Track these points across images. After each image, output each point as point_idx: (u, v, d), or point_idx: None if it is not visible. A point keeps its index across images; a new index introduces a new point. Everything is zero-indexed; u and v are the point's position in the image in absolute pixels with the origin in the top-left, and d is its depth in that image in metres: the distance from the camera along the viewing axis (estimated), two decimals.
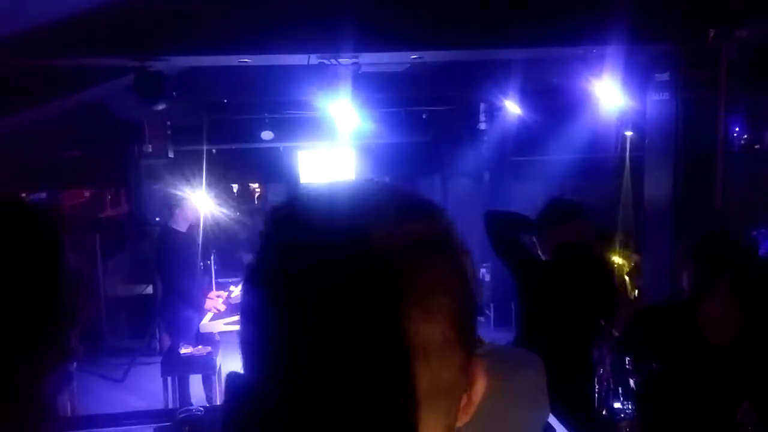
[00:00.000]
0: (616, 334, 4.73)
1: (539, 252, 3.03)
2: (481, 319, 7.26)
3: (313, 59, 3.87)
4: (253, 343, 0.50)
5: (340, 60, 3.94)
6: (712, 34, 3.80)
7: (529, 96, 6.05)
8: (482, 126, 6.76)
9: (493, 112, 6.65)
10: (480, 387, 0.58)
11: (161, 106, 3.99)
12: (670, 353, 2.82)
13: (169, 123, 6.42)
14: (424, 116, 6.96)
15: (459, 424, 0.57)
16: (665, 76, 4.03)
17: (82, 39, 3.54)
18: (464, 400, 0.56)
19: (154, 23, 3.56)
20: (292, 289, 0.47)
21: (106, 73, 4.28)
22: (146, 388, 5.88)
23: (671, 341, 2.74)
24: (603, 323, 3.18)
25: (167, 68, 4.01)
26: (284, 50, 3.67)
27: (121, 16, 3.53)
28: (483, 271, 7.03)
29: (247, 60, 3.90)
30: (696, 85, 3.87)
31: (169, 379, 4.98)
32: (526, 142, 6.63)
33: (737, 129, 6.42)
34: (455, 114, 7.04)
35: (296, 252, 0.49)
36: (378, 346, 0.46)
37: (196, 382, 5.14)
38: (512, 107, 6.22)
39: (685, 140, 3.90)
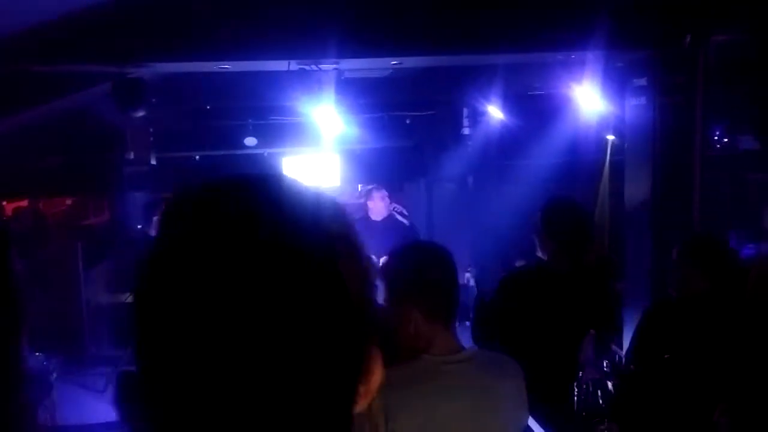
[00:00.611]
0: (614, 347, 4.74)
1: (538, 252, 3.01)
2: (467, 323, 7.26)
3: (294, 65, 3.88)
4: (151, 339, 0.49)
5: (320, 66, 3.95)
6: (688, 39, 3.84)
7: (511, 101, 6.09)
8: (466, 131, 6.80)
9: (477, 116, 6.68)
10: (377, 377, 0.59)
11: (141, 113, 3.97)
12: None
13: (151, 130, 6.39)
14: (408, 121, 6.98)
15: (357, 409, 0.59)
16: (643, 81, 4.07)
17: (60, 45, 3.52)
18: (362, 388, 0.56)
19: (132, 29, 3.55)
20: (199, 284, 0.47)
21: (84, 79, 4.25)
22: None
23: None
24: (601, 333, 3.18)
25: (147, 75, 3.99)
26: (264, 56, 3.67)
27: (99, 22, 3.51)
28: (467, 275, 7.05)
29: (227, 66, 3.89)
30: (673, 90, 3.91)
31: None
32: (509, 146, 6.66)
33: (717, 133, 6.49)
34: (439, 119, 7.07)
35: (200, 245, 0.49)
36: (282, 331, 0.47)
37: None
38: (495, 112, 6.26)
39: (662, 144, 3.94)
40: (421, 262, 1.88)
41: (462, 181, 7.39)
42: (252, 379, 0.46)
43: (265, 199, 0.53)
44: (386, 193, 6.02)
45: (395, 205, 6.12)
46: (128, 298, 0.51)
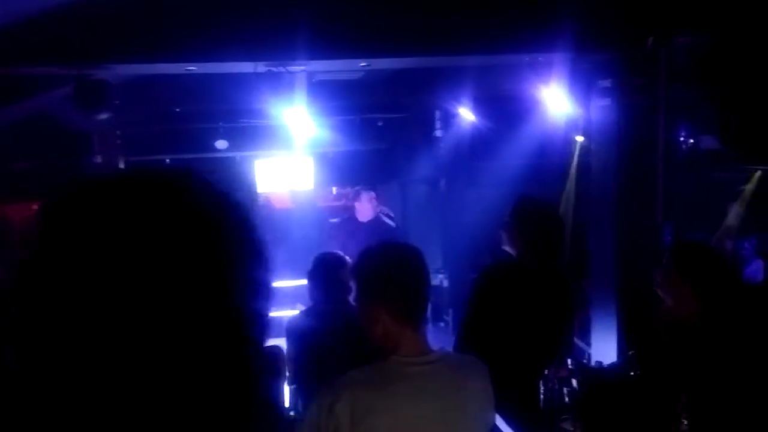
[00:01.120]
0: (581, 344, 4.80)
1: (505, 246, 3.04)
2: (441, 324, 7.28)
3: (261, 67, 3.85)
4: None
5: (288, 68, 3.93)
6: (650, 42, 3.90)
7: (482, 103, 6.13)
8: (438, 133, 6.83)
9: (448, 119, 6.72)
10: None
11: (104, 116, 3.91)
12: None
13: (119, 133, 6.29)
14: (380, 124, 6.99)
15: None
16: (608, 83, 4.13)
17: (20, 47, 3.45)
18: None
19: (94, 31, 3.49)
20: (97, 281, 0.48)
21: (47, 82, 4.18)
22: None
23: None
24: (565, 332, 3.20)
25: (111, 77, 3.94)
26: (230, 58, 3.65)
27: (60, 23, 3.45)
28: (441, 277, 7.07)
29: (193, 68, 3.85)
30: (636, 91, 3.97)
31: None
32: (480, 148, 6.71)
33: (683, 134, 6.61)
34: (411, 121, 7.09)
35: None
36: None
37: None
38: (466, 114, 6.30)
39: (627, 144, 4.00)
40: (391, 262, 1.88)
41: (434, 182, 7.42)
42: (121, 370, 0.47)
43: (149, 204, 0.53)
44: (374, 195, 6.06)
45: (382, 207, 6.14)
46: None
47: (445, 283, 7.06)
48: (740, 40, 3.58)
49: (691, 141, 6.00)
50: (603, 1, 3.98)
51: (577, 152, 5.90)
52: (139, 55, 3.57)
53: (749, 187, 6.44)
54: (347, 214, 6.19)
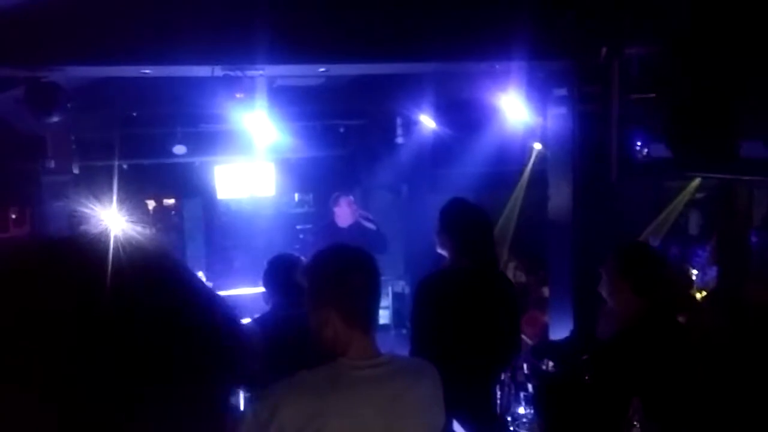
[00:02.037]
0: (529, 341, 4.86)
1: (438, 249, 3.07)
2: (403, 330, 7.29)
3: (218, 71, 3.81)
4: None
5: (246, 72, 3.90)
6: (604, 51, 4.00)
7: (442, 110, 6.19)
8: (399, 140, 6.85)
9: (410, 126, 6.75)
10: None
11: (56, 119, 3.81)
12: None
13: (73, 137, 6.14)
14: (341, 130, 6.99)
15: None
16: (563, 91, 4.21)
17: None
18: None
19: (45, 32, 3.41)
20: None
21: None
22: None
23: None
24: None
25: (64, 79, 3.84)
26: (186, 61, 3.60)
27: (11, 24, 3.36)
28: (403, 283, 7.10)
29: (148, 71, 3.79)
30: (590, 100, 4.06)
31: None
32: (442, 155, 6.76)
33: (639, 142, 6.78)
34: (372, 128, 7.11)
35: None
36: None
37: None
38: (427, 121, 6.34)
39: (582, 152, 4.08)
40: (342, 265, 1.87)
41: (396, 189, 7.44)
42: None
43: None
44: (352, 199, 6.03)
45: (361, 211, 6.11)
46: None
47: (407, 290, 7.08)
48: (688, 52, 3.69)
49: (645, 149, 6.15)
50: (558, 11, 4.06)
51: (532, 160, 6.01)
52: (91, 58, 3.49)
53: (686, 195, 6.68)
54: (328, 220, 6.11)
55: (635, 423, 2.57)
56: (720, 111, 3.47)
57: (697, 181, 6.43)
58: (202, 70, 3.86)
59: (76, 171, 6.29)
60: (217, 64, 3.69)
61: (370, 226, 5.98)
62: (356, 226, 5.88)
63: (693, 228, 7.29)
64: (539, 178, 5.57)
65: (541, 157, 5.69)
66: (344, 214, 5.89)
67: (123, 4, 3.40)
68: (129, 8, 3.38)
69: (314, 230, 6.37)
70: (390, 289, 6.96)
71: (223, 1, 3.53)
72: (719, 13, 3.61)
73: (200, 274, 5.89)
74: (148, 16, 3.40)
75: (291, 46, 3.71)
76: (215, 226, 8.08)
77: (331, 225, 5.94)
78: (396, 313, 6.96)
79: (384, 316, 7.16)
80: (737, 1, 3.63)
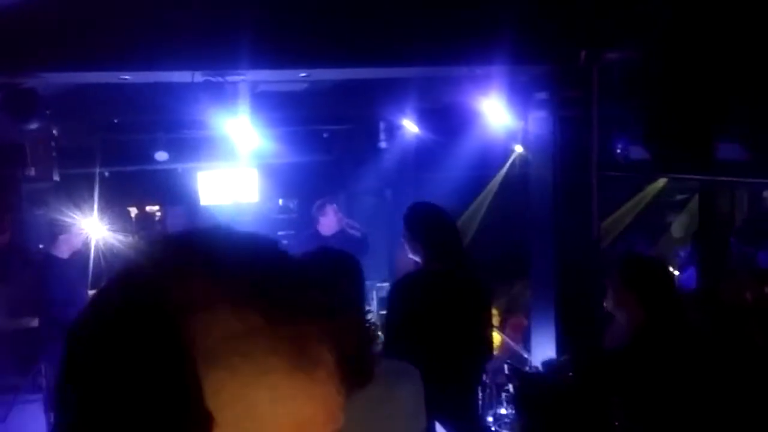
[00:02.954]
0: (512, 343, 4.88)
1: (410, 254, 3.09)
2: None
3: (198, 77, 3.80)
4: None
5: (227, 77, 3.89)
6: (583, 56, 4.04)
7: (426, 115, 6.20)
8: (383, 144, 6.86)
9: (393, 130, 6.77)
10: None
11: (34, 125, 3.78)
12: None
13: (54, 144, 6.08)
14: (325, 135, 6.99)
15: None
16: (544, 95, 4.24)
17: None
18: None
19: (23, 38, 3.38)
20: None
21: None
22: (31, 428, 5.48)
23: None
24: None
25: (42, 86, 3.81)
26: (165, 67, 3.58)
27: None
28: (387, 287, 7.08)
29: (127, 77, 3.77)
30: (571, 104, 4.09)
31: (54, 416, 4.67)
32: (425, 159, 6.78)
33: (620, 146, 6.85)
34: (356, 133, 7.11)
35: None
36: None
37: None
38: (410, 126, 6.36)
39: (562, 156, 4.11)
40: (323, 269, 1.87)
41: (380, 194, 7.45)
42: None
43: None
44: (336, 207, 5.97)
45: (346, 219, 6.07)
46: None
47: None
48: (666, 56, 3.74)
49: (625, 152, 6.22)
50: (539, 16, 4.10)
51: (507, 164, 6.05)
52: (69, 64, 3.46)
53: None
54: (311, 229, 6.03)
55: (615, 422, 2.60)
56: (697, 114, 3.51)
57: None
58: (182, 76, 3.84)
59: (56, 178, 6.23)
60: (197, 70, 3.67)
61: (356, 233, 5.95)
62: (340, 234, 5.83)
63: (677, 230, 7.37)
64: (515, 182, 5.61)
65: (520, 161, 5.73)
66: (330, 222, 5.82)
67: (100, 9, 3.37)
68: (106, 14, 3.36)
69: (297, 239, 6.28)
70: (374, 293, 6.96)
71: (202, 7, 3.51)
72: (697, 17, 3.67)
73: None
74: (126, 21, 3.38)
75: (272, 51, 3.70)
76: None
77: (315, 234, 5.86)
78: (381, 318, 6.95)
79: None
80: (715, 6, 3.69)
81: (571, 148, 4.09)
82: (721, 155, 3.37)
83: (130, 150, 6.74)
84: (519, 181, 5.88)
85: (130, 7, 3.46)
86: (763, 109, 3.35)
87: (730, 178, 3.77)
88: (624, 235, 6.77)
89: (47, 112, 3.77)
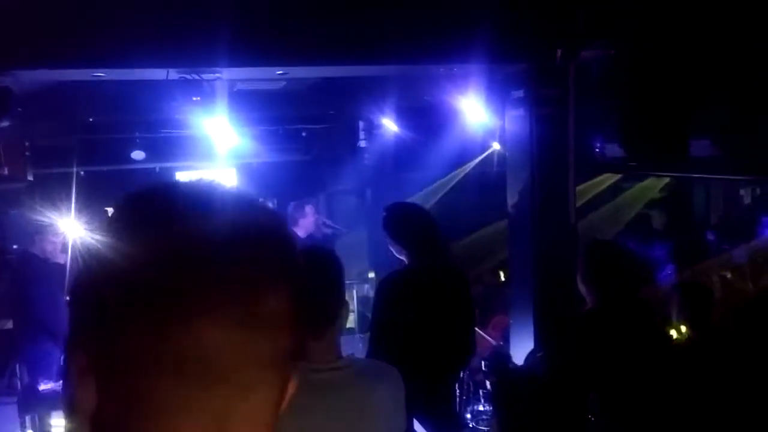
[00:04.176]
0: (493, 342, 4.90)
1: (396, 254, 3.09)
2: (369, 333, 7.27)
3: (173, 74, 3.75)
4: None
5: (202, 75, 3.85)
6: (559, 54, 4.06)
7: (404, 113, 6.21)
8: (362, 143, 6.86)
9: (372, 129, 6.76)
10: (293, 384, 0.62)
11: (5, 124, 3.71)
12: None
13: (27, 144, 5.99)
14: (304, 134, 6.95)
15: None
16: (521, 93, 4.26)
17: None
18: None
19: None
20: None
21: None
22: (4, 430, 5.39)
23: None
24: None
25: (13, 83, 3.74)
26: (139, 63, 3.53)
27: None
28: (368, 287, 7.08)
29: (101, 74, 3.71)
30: (547, 102, 4.12)
31: (28, 418, 4.59)
32: (404, 158, 6.79)
33: (598, 144, 6.92)
34: (335, 132, 7.09)
35: None
36: None
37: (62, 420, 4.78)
38: (389, 125, 6.36)
39: (540, 153, 4.13)
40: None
41: (360, 193, 7.43)
42: None
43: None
44: (313, 207, 6.00)
45: (320, 217, 6.09)
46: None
47: (371, 293, 7.07)
48: (640, 54, 3.78)
49: (600, 150, 6.28)
50: (516, 14, 4.12)
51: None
52: (42, 61, 3.40)
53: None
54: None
55: (590, 417, 2.62)
56: (671, 112, 3.55)
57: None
58: (156, 73, 3.79)
59: (30, 178, 6.14)
60: (171, 67, 3.63)
61: (329, 231, 5.99)
62: (319, 235, 5.88)
63: (657, 224, 7.47)
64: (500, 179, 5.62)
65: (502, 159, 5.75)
66: (308, 223, 5.87)
67: (73, 5, 3.32)
68: (79, 9, 3.30)
69: None
70: (354, 293, 6.94)
71: (177, 2, 3.48)
72: (669, 16, 3.71)
73: None
74: (99, 17, 3.33)
75: (248, 48, 3.67)
76: None
77: None
78: (361, 317, 6.93)
79: (349, 320, 7.13)
80: (686, 5, 3.73)
81: (548, 146, 4.11)
82: (693, 152, 3.41)
83: (106, 149, 6.65)
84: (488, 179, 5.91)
85: (103, 2, 3.41)
86: (734, 105, 3.40)
87: (703, 175, 3.82)
88: (616, 234, 6.85)
89: (19, 110, 3.70)
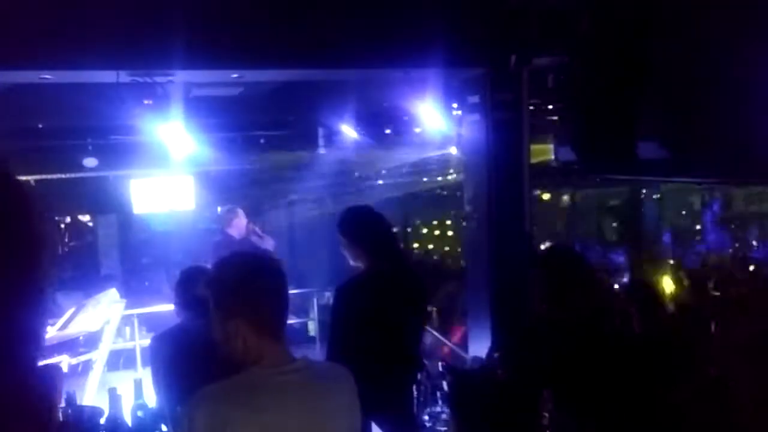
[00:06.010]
0: (447, 343, 4.92)
1: (351, 260, 3.08)
2: None
3: (124, 76, 3.67)
4: None
5: (154, 78, 3.78)
6: (513, 60, 4.13)
7: (363, 120, 6.21)
8: (322, 150, 6.83)
9: (331, 136, 6.75)
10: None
11: None
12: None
13: None
14: (262, 141, 6.89)
15: None
16: (476, 98, 4.31)
17: None
18: None
19: None
20: None
21: None
22: None
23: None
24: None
25: None
26: (88, 65, 3.44)
27: None
28: (328, 295, 7.03)
29: (48, 76, 3.61)
30: (502, 107, 4.17)
31: None
32: (364, 165, 6.79)
33: (553, 149, 7.04)
34: (294, 139, 7.05)
35: None
36: None
37: None
38: (348, 131, 6.34)
39: (495, 158, 4.18)
40: (245, 272, 1.83)
41: (320, 200, 7.40)
42: None
43: None
44: (242, 212, 6.08)
45: (251, 225, 6.14)
46: None
47: (332, 301, 7.03)
48: (590, 59, 3.85)
49: (555, 154, 6.38)
50: (471, 21, 4.17)
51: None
52: None
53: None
54: (221, 235, 6.14)
55: (545, 414, 2.63)
56: (619, 115, 3.63)
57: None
58: (106, 76, 3.70)
59: None
60: (121, 69, 3.55)
61: (260, 240, 6.08)
62: (248, 241, 5.98)
63: (609, 234, 7.64)
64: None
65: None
66: (241, 225, 6.06)
67: (18, 3, 3.22)
68: (24, 8, 3.20)
69: (216, 244, 6.22)
70: (315, 301, 6.90)
71: (126, 2, 3.41)
72: (618, 22, 3.80)
73: (114, 292, 5.67)
74: (46, 16, 3.23)
75: (202, 50, 3.62)
76: (132, 243, 7.79)
77: (230, 239, 5.98)
78: (322, 325, 6.89)
79: (310, 329, 7.07)
80: (634, 11, 3.83)
81: (504, 151, 4.17)
82: (641, 154, 3.50)
83: (56, 156, 6.47)
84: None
85: (49, 2, 3.32)
86: (680, 107, 3.50)
87: (651, 178, 3.92)
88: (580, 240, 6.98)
89: None
